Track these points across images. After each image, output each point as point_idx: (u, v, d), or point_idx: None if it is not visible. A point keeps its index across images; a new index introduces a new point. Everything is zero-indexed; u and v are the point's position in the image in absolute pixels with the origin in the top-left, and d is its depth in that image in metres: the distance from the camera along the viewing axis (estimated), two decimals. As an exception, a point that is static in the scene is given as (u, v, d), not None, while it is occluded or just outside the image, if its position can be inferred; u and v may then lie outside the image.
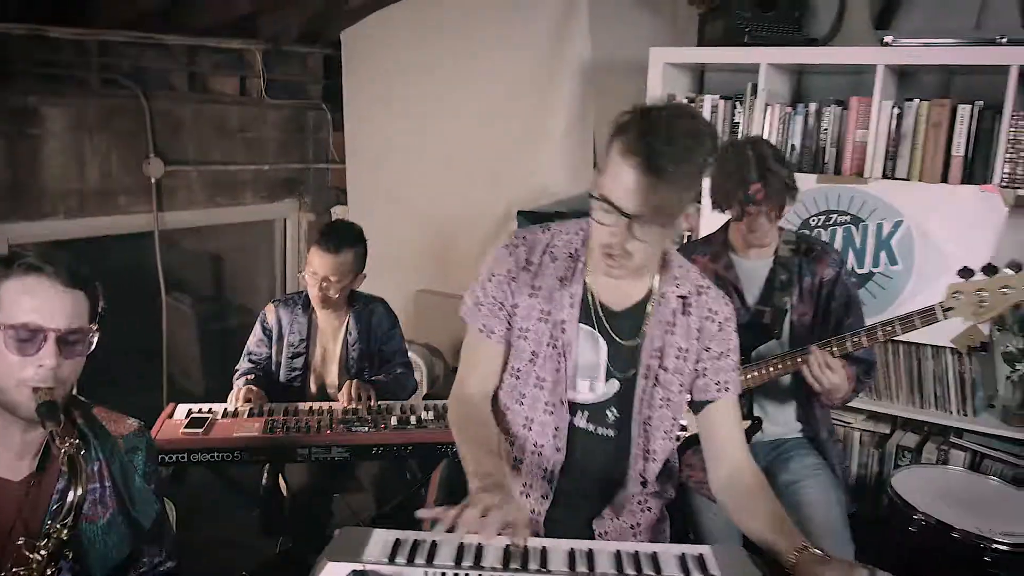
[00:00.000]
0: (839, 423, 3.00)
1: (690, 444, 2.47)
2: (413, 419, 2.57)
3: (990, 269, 2.01)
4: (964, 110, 2.66)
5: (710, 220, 2.52)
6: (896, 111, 2.75)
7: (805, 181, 2.86)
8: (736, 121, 3.01)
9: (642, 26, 3.47)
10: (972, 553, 2.13)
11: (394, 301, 3.02)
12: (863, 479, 2.98)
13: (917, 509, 2.24)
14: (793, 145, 2.94)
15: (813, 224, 2.90)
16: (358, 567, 1.23)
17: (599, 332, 1.66)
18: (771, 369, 2.29)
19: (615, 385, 1.68)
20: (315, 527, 2.73)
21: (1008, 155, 2.60)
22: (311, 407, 2.64)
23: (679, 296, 1.67)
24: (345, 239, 2.73)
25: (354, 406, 2.62)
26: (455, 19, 3.87)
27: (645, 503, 1.77)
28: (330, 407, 2.63)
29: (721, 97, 3.06)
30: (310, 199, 4.53)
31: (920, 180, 2.75)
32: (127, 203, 3.63)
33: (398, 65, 4.07)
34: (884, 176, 2.80)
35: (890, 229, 2.79)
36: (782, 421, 2.46)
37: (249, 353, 2.87)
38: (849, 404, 2.87)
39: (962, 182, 2.70)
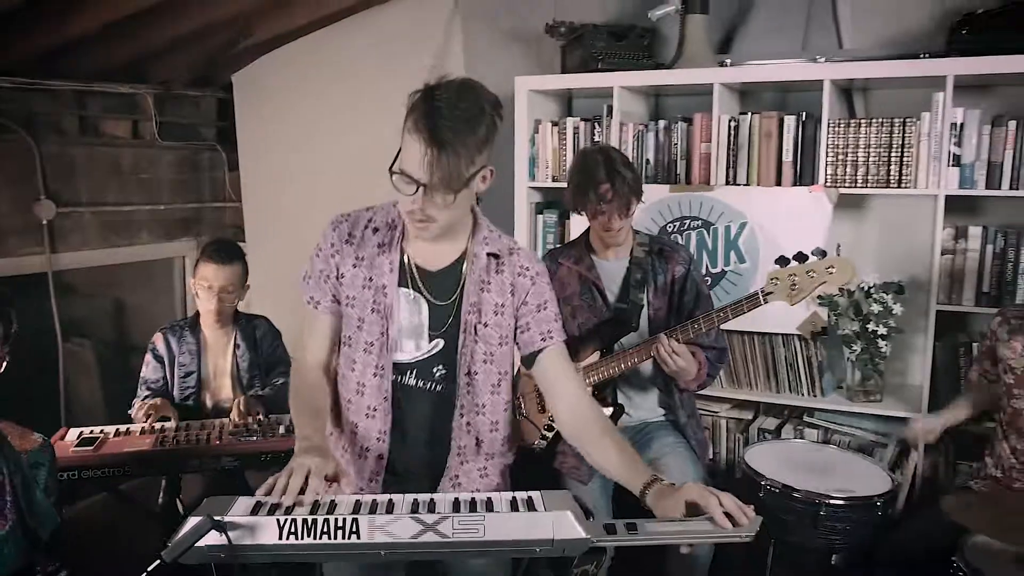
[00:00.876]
0: (706, 413, 3.25)
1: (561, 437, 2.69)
2: (302, 427, 2.70)
3: (800, 257, 2.28)
4: (790, 120, 2.99)
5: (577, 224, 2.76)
6: (733, 124, 3.06)
7: (659, 191, 3.15)
8: (596, 140, 3.28)
9: (514, 59, 3.74)
10: (811, 509, 2.38)
11: (300, 332, 3.16)
12: (730, 463, 3.23)
13: (765, 476, 2.48)
14: (648, 159, 3.23)
15: (670, 230, 3.17)
16: (217, 518, 1.37)
17: (419, 293, 1.82)
18: (630, 359, 2.51)
19: (439, 343, 1.83)
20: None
21: (829, 159, 2.93)
22: (203, 423, 2.75)
23: (489, 254, 1.83)
24: (232, 251, 2.94)
25: (246, 422, 2.74)
26: (340, 58, 4.07)
27: (483, 471, 1.90)
28: (222, 422, 2.75)
29: (582, 119, 3.33)
30: (207, 238, 4.62)
31: (758, 184, 3.06)
32: (17, 244, 3.68)
33: (289, 105, 4.24)
34: (727, 183, 3.10)
35: (736, 230, 3.08)
36: (646, 406, 2.69)
37: (145, 381, 2.97)
38: (715, 394, 3.16)
39: (793, 184, 3.01)
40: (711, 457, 3.24)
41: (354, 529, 1.39)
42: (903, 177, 2.86)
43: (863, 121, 2.89)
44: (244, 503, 1.49)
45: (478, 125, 1.61)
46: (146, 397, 2.90)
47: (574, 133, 3.33)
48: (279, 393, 2.92)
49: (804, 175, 3.01)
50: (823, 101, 2.89)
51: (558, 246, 2.93)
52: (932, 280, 2.89)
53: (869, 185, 2.91)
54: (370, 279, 1.82)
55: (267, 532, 1.39)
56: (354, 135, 4.09)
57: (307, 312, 1.91)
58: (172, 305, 4.70)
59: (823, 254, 2.28)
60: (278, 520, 1.40)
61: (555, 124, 3.37)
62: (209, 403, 2.98)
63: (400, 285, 1.82)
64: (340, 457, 1.87)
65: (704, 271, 3.12)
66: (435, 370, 1.84)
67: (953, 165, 2.80)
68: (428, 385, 1.84)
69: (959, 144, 2.79)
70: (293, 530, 1.39)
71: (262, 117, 4.37)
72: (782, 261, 2.31)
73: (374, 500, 1.53)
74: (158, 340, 2.99)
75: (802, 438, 3.09)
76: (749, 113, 3.05)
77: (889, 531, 2.42)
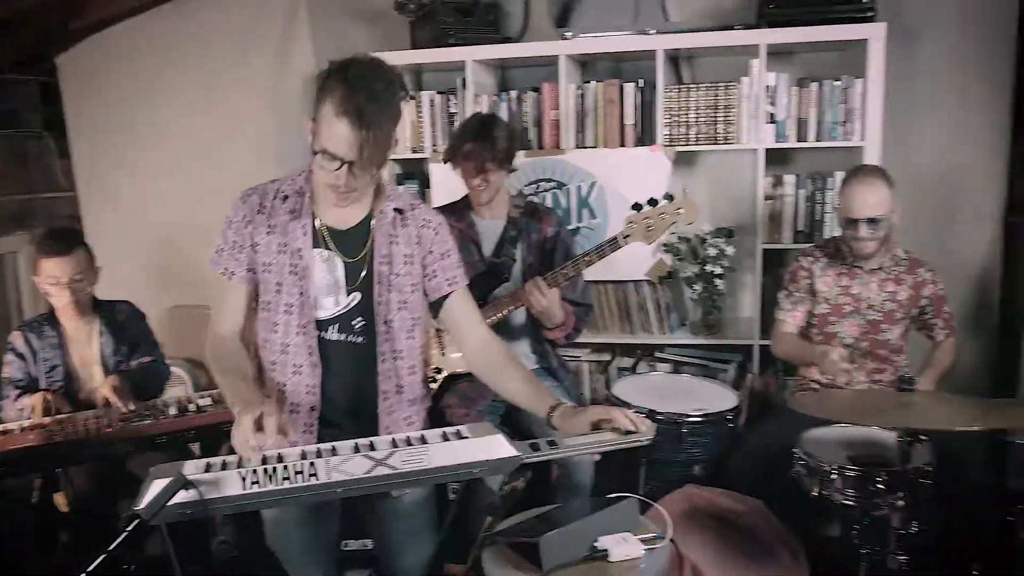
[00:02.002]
0: (570, 359, 3.55)
1: (446, 387, 2.89)
2: (192, 407, 2.73)
3: (652, 202, 2.58)
4: (629, 87, 3.31)
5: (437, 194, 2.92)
6: (579, 92, 3.34)
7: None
8: (452, 111, 3.46)
9: (361, 37, 3.82)
10: (675, 428, 2.72)
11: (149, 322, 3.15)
12: (595, 400, 3.56)
13: (632, 404, 2.79)
14: (502, 127, 3.45)
15: (527, 192, 3.42)
16: (182, 476, 1.47)
17: (333, 252, 1.94)
18: (504, 306, 2.74)
19: (356, 296, 1.96)
20: (100, 529, 2.78)
21: (665, 121, 3.28)
22: (89, 413, 2.71)
23: (395, 209, 1.99)
24: (70, 238, 2.87)
25: (120, 404, 2.71)
26: (181, 39, 3.97)
27: (409, 419, 2.07)
28: (108, 410, 2.72)
29: (437, 92, 3.50)
30: (42, 230, 4.38)
31: (605, 146, 3.36)
32: None
33: (121, 88, 4.09)
34: (577, 146, 3.39)
35: (587, 189, 3.37)
36: (520, 354, 2.93)
37: (12, 380, 2.87)
38: (576, 341, 3.45)
39: (636, 145, 3.34)
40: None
41: (312, 472, 1.53)
42: (728, 134, 3.25)
43: (692, 86, 3.25)
44: (194, 465, 1.59)
45: (394, 102, 1.76)
46: (20, 395, 2.81)
47: (430, 105, 3.49)
48: (148, 371, 2.93)
49: (645, 136, 3.34)
50: (657, 69, 3.22)
51: (444, 205, 3.08)
52: (757, 224, 3.31)
53: (700, 143, 3.29)
54: (285, 244, 1.92)
55: (231, 484, 1.51)
56: (198, 121, 4.02)
57: (219, 285, 1.98)
58: (5, 303, 4.45)
59: (671, 198, 2.60)
60: (239, 472, 1.52)
61: (412, 98, 3.51)
62: (83, 394, 2.93)
63: (314, 246, 1.93)
64: None
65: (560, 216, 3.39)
66: (354, 322, 1.97)
67: (769, 122, 3.21)
68: (349, 337, 1.97)
69: (773, 104, 3.20)
70: (255, 479, 1.51)
71: (93, 101, 4.19)
72: (636, 207, 2.61)
73: (319, 448, 1.67)
74: (16, 338, 2.90)
75: (656, 371, 3.46)
76: (592, 82, 3.34)
77: (738, 440, 2.81)
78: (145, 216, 4.24)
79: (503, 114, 3.44)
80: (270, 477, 1.52)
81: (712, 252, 3.31)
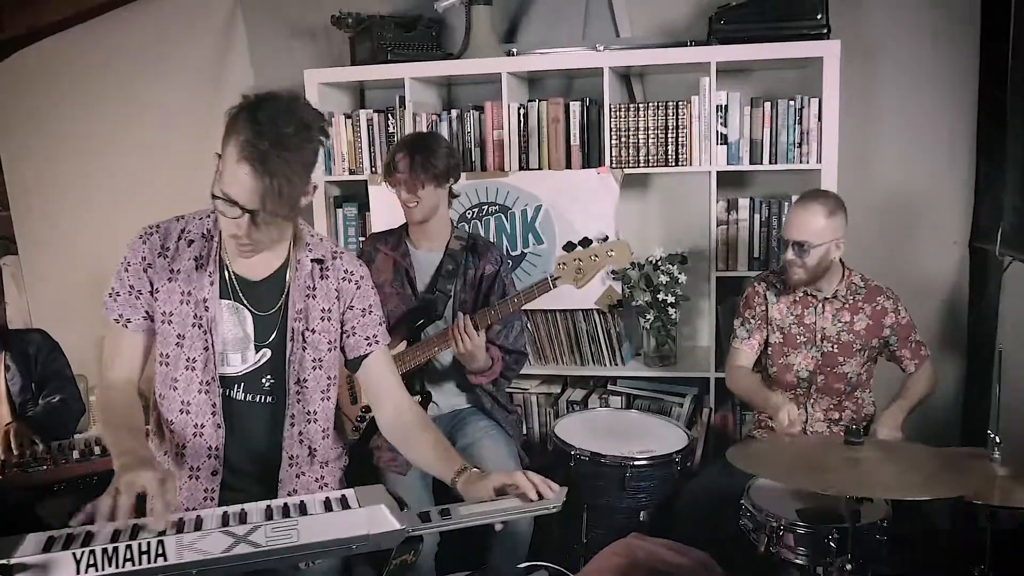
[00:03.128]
0: (516, 390, 3.37)
1: (374, 429, 2.69)
2: (98, 449, 2.52)
3: (585, 242, 2.42)
4: (575, 106, 3.14)
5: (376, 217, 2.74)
6: (522, 111, 3.17)
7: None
8: (391, 131, 3.28)
9: (301, 53, 3.65)
10: (618, 472, 2.53)
11: (83, 347, 2.96)
12: (544, 436, 3.37)
13: (574, 447, 2.61)
14: (444, 148, 3.27)
15: (469, 216, 3.24)
16: (2, 562, 1.28)
17: (242, 304, 1.78)
18: (433, 346, 2.56)
19: (266, 353, 1.80)
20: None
21: (613, 141, 3.11)
22: (-20, 459, 2.50)
23: (314, 260, 1.82)
24: None
25: (20, 452, 2.51)
26: (114, 53, 3.80)
27: (320, 480, 1.91)
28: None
29: (375, 111, 3.32)
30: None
31: (550, 168, 3.19)
32: None
33: (57, 103, 3.91)
34: (521, 168, 3.21)
35: (532, 213, 3.20)
36: (451, 393, 2.75)
37: None
38: (524, 371, 3.27)
39: (583, 167, 3.17)
40: (524, 433, 3.36)
41: (160, 551, 1.33)
42: (680, 156, 3.08)
43: (641, 105, 3.08)
44: (34, 540, 1.39)
45: (308, 148, 1.59)
46: None
47: (368, 125, 3.32)
48: (55, 412, 2.72)
49: (591, 158, 3.17)
50: (604, 87, 3.05)
51: (380, 231, 2.91)
52: (711, 249, 3.14)
53: (650, 164, 3.12)
54: (188, 293, 1.75)
55: (63, 569, 1.31)
56: (132, 138, 3.85)
57: (113, 330, 1.80)
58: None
59: (605, 238, 2.44)
60: (74, 554, 1.32)
61: (348, 117, 3.33)
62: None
63: (222, 297, 1.76)
64: None
65: (504, 253, 3.22)
66: (264, 381, 1.81)
67: (721, 143, 3.05)
68: (258, 397, 1.81)
69: (725, 124, 3.04)
70: (92, 562, 1.31)
71: (23, 117, 4.00)
72: (568, 247, 2.45)
73: (181, 518, 1.48)
74: None
75: (607, 406, 3.28)
76: (537, 100, 3.17)
77: (687, 482, 2.63)
78: (83, 234, 4.04)
79: (443, 132, 3.26)
80: (110, 559, 1.32)
81: (664, 279, 3.14)
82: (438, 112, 3.30)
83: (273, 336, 1.80)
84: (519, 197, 3.19)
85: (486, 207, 3.23)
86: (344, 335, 1.89)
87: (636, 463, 2.53)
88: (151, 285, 1.76)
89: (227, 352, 1.78)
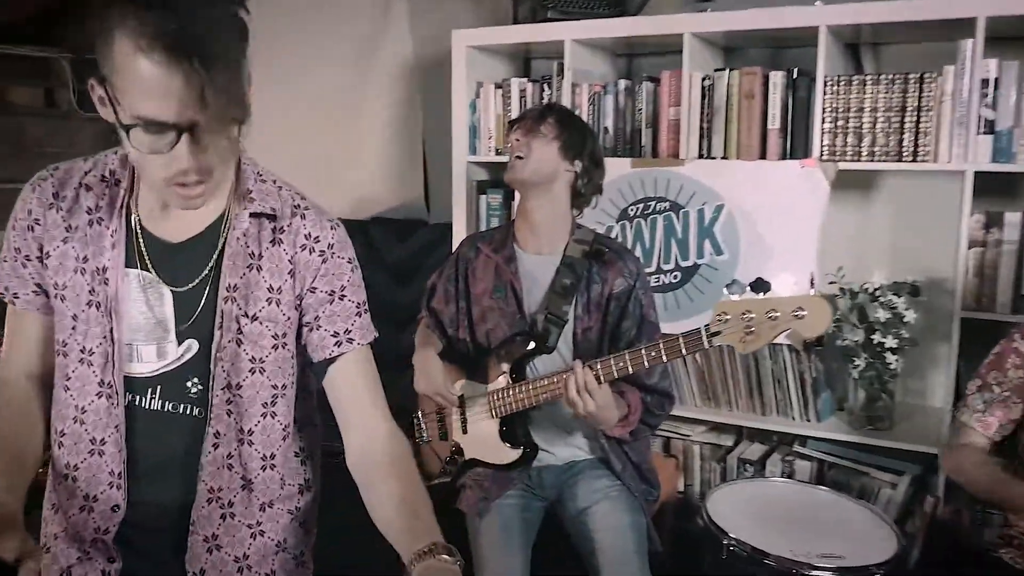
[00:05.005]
0: (676, 436, 2.68)
1: (468, 468, 2.15)
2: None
3: (760, 286, 1.70)
4: (777, 77, 2.39)
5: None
6: (707, 83, 2.47)
7: (619, 166, 2.58)
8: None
9: (464, 12, 3.17)
10: (787, 580, 1.81)
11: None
12: (685, 505, 2.65)
13: (728, 533, 1.91)
14: (606, 128, 2.65)
15: (632, 213, 2.59)
16: None
17: (156, 277, 1.27)
18: (541, 392, 1.96)
19: (192, 346, 1.29)
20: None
21: (826, 126, 2.33)
22: None
23: (257, 215, 1.29)
24: None
25: None
26: (268, 26, 3.53)
27: (256, 527, 1.36)
28: None
29: (530, 80, 2.77)
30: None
31: (738, 158, 2.46)
32: None
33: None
34: (701, 156, 2.51)
35: (711, 214, 2.49)
36: (572, 442, 2.14)
37: None
38: (686, 415, 2.60)
39: (781, 158, 2.42)
40: (680, 491, 2.67)
41: None
42: (919, 148, 2.25)
43: (869, 78, 2.28)
44: None
45: (231, 9, 1.10)
46: None
47: (520, 97, 2.76)
48: None
49: (795, 146, 2.41)
50: (818, 52, 2.28)
51: (482, 230, 2.39)
52: (957, 280, 2.28)
53: (876, 159, 2.30)
54: (84, 259, 1.27)
55: None
56: (282, 113, 3.54)
57: (9, 311, 1.36)
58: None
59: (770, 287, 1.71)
60: None
61: (499, 87, 2.80)
62: None
63: (129, 265, 1.27)
64: (51, 515, 1.35)
65: (673, 264, 2.54)
66: (189, 384, 1.29)
67: (985, 133, 2.18)
68: (181, 407, 1.30)
69: (992, 106, 2.17)
70: None
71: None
72: (736, 287, 1.74)
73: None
74: None
75: (791, 473, 2.51)
76: (727, 69, 2.45)
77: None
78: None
79: (608, 108, 2.64)
80: None
81: (884, 315, 2.32)
82: (603, 84, 2.66)
83: (199, 321, 1.28)
84: (696, 193, 2.50)
85: (653, 203, 2.57)
86: (304, 328, 1.33)
87: (815, 573, 1.79)
88: (39, 248, 1.29)
89: (136, 343, 1.28)
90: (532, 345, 2.04)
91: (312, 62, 3.42)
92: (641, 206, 2.58)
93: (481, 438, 2.11)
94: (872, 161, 2.31)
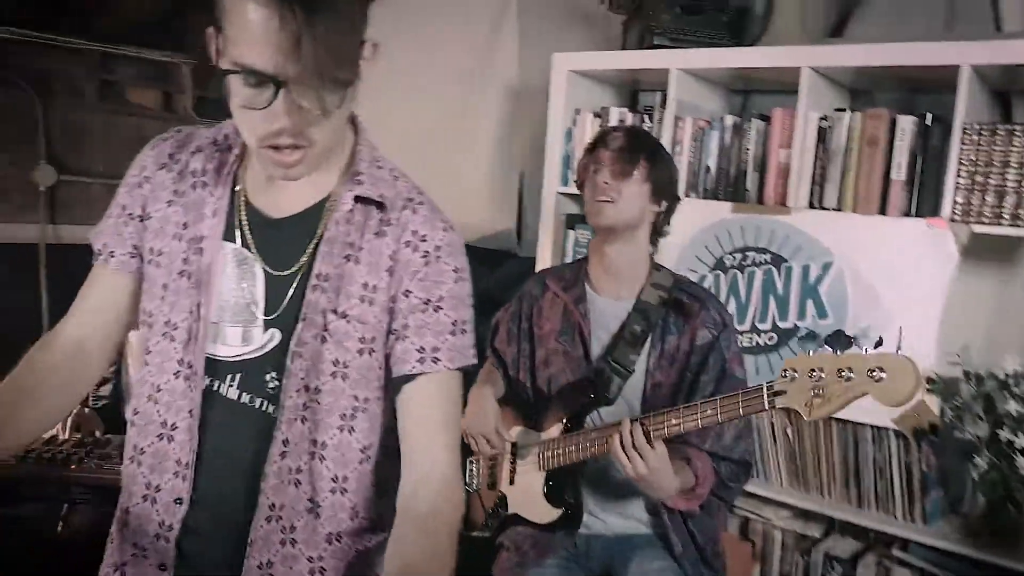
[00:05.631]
0: (755, 516, 2.37)
1: (511, 524, 1.95)
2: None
3: (837, 340, 1.44)
4: (906, 122, 2.08)
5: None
6: (825, 124, 2.19)
7: (719, 210, 2.35)
8: (645, 138, 2.50)
9: (574, 37, 3.02)
10: None
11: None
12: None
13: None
14: (708, 167, 2.41)
15: (728, 264, 2.33)
16: None
17: (253, 254, 1.17)
18: (591, 446, 1.74)
19: (275, 336, 1.17)
20: None
21: (961, 180, 2.01)
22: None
23: (364, 199, 1.17)
24: None
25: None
26: (375, 34, 3.51)
27: (317, 563, 1.20)
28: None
29: (630, 110, 2.57)
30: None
31: (854, 211, 2.16)
32: (11, 211, 3.34)
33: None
34: (811, 206, 2.23)
35: (818, 272, 2.20)
36: (628, 512, 1.89)
37: None
38: (769, 495, 2.31)
39: (905, 214, 2.10)
40: (755, 583, 2.35)
41: None
42: (1075, 215, 1.90)
43: (1018, 129, 1.95)
44: None
45: None
46: None
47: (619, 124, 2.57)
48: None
49: (922, 202, 2.09)
50: (958, 93, 1.98)
51: (556, 265, 2.20)
52: (1111, 376, 1.90)
53: (1020, 223, 1.96)
54: (184, 225, 1.19)
55: None
56: (391, 121, 3.51)
57: (94, 269, 1.28)
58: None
59: (878, 343, 1.43)
60: None
61: (597, 116, 2.61)
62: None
63: (227, 238, 1.18)
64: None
65: (769, 324, 2.26)
66: (268, 377, 1.17)
67: None
68: (256, 402, 1.18)
69: None
70: None
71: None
72: (809, 339, 1.48)
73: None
74: None
75: (887, 580, 2.16)
76: (847, 110, 2.17)
77: None
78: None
79: (712, 146, 2.40)
80: None
81: (1017, 409, 1.96)
82: (708, 119, 2.43)
83: (287, 309, 1.16)
84: (802, 247, 2.22)
85: (753, 254, 2.30)
86: (392, 335, 1.17)
87: None
88: (143, 207, 1.22)
89: (223, 323, 1.17)
90: (594, 396, 1.83)
91: (419, 80, 3.36)
92: (739, 256, 2.32)
93: (526, 492, 1.91)
94: (1014, 226, 1.96)
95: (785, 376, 1.49)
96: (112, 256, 1.23)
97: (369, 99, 3.40)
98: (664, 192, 1.86)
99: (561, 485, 1.84)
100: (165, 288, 1.19)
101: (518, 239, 3.19)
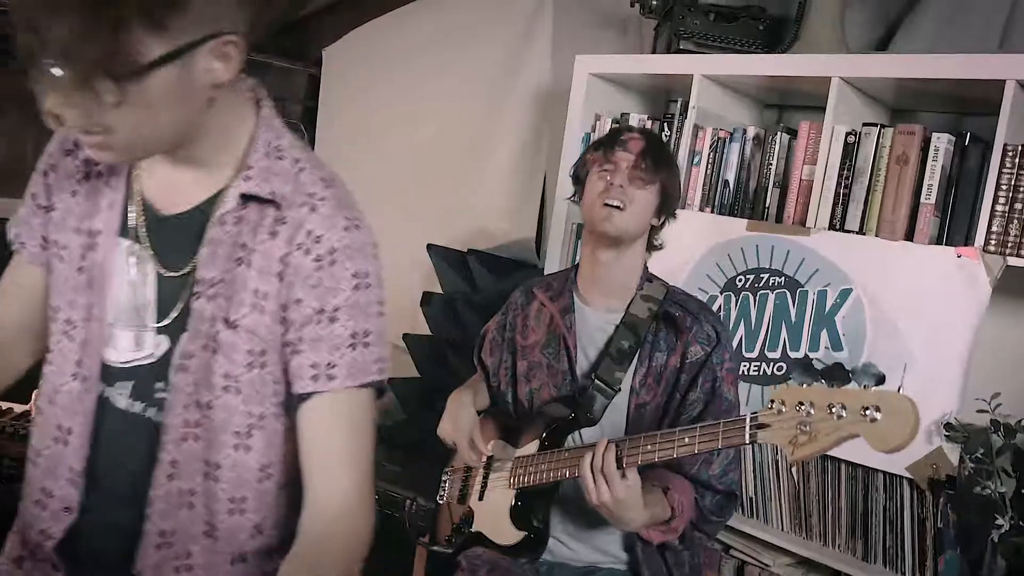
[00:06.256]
0: (752, 561, 2.18)
1: (466, 546, 1.82)
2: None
3: (837, 373, 1.28)
4: (940, 140, 1.90)
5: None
6: (851, 139, 2.02)
7: (733, 228, 2.19)
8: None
9: (607, 42, 2.91)
10: None
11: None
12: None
13: None
14: (726, 181, 2.25)
15: (739, 285, 2.17)
16: None
17: (146, 252, 1.09)
18: (562, 467, 1.61)
19: (163, 343, 1.08)
20: None
21: (997, 208, 1.81)
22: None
23: (252, 197, 1.06)
24: None
25: None
26: (420, 43, 3.46)
27: None
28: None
29: (649, 117, 2.43)
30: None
31: (877, 235, 1.98)
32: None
33: (366, 86, 3.69)
34: (832, 227, 2.05)
35: (835, 299, 2.02)
36: (601, 543, 1.73)
37: None
38: (766, 537, 2.13)
39: (935, 242, 1.91)
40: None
41: None
42: (1125, 253, 1.69)
43: (1064, 152, 1.76)
44: None
45: None
46: None
47: (637, 134, 2.43)
48: None
49: (953, 230, 1.90)
50: (1002, 110, 1.79)
51: (545, 275, 2.09)
52: None
53: (1062, 258, 1.76)
54: (83, 218, 1.12)
55: None
56: (422, 124, 3.44)
57: (13, 261, 1.22)
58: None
59: (880, 380, 1.28)
60: None
61: (616, 122, 2.48)
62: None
63: (123, 234, 1.10)
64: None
65: (779, 352, 2.09)
66: (157, 386, 1.09)
67: None
68: (147, 411, 1.10)
69: None
70: None
71: (342, 98, 3.85)
72: (803, 368, 1.33)
73: None
74: None
75: (891, 644, 1.95)
76: (878, 125, 2.00)
77: None
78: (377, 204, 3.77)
79: (733, 159, 2.24)
80: None
81: (1046, 465, 1.75)
82: (731, 130, 2.28)
83: (179, 316, 1.07)
84: (819, 271, 2.04)
85: (766, 276, 2.13)
86: (286, 348, 1.06)
87: None
88: (48, 196, 1.15)
89: (115, 326, 1.09)
90: (574, 415, 1.70)
91: (449, 81, 3.29)
92: (752, 278, 2.15)
93: (493, 510, 1.78)
94: (1055, 261, 1.76)
95: (771, 408, 1.33)
96: (23, 247, 1.18)
97: (399, 99, 3.36)
98: (669, 208, 1.74)
99: (529, 507, 1.71)
100: (66, 284, 1.12)
101: (536, 250, 3.07)
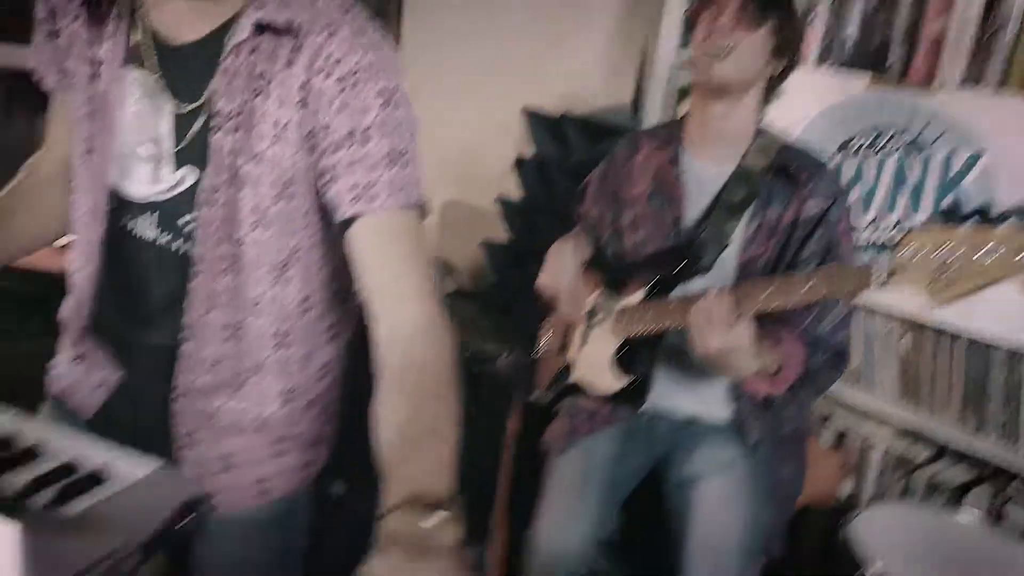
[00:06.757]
0: (856, 433, 2.15)
1: (564, 395, 1.83)
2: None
3: (979, 215, 1.17)
4: (1101, -17, 1.71)
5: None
6: (996, -16, 1.84)
7: (853, 84, 2.04)
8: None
9: None
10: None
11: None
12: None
13: (868, 566, 1.46)
14: (849, 35, 2.08)
15: (855, 147, 2.05)
16: None
17: (157, 83, 1.04)
18: (670, 315, 1.56)
19: (189, 176, 1.05)
20: None
21: None
22: None
23: (266, 25, 1.00)
24: None
25: None
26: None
27: (278, 442, 1.15)
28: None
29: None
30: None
31: (1021, 93, 1.82)
32: None
33: (448, 49, 3.51)
34: (964, 84, 1.89)
35: (962, 164, 1.89)
36: (706, 395, 1.72)
37: None
38: (870, 405, 2.09)
39: (1085, 99, 1.76)
40: (840, 497, 2.16)
41: None
42: None
43: None
44: None
45: None
46: None
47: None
48: None
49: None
50: None
51: (652, 126, 1.98)
52: None
53: None
54: (89, 44, 1.08)
55: None
56: (488, 96, 3.28)
57: None
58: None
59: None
60: None
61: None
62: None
63: (128, 62, 1.06)
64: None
65: (895, 219, 1.98)
66: (183, 220, 1.07)
67: None
68: (175, 245, 1.08)
69: None
70: None
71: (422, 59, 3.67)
72: (948, 216, 1.22)
73: None
74: None
75: (999, 516, 1.92)
76: (1028, -33, 1.80)
77: None
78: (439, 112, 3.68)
79: (855, 12, 2.07)
80: None
81: None
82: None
83: (197, 150, 1.04)
84: (946, 132, 1.91)
85: (888, 139, 2.00)
86: (319, 178, 1.03)
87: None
88: (52, 20, 1.11)
89: (129, 160, 1.07)
90: (684, 264, 1.64)
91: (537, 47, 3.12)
92: (870, 139, 2.03)
93: (595, 358, 1.75)
94: None
95: (906, 253, 1.24)
96: (44, 80, 1.16)
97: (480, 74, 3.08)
98: (788, 48, 1.60)
99: (635, 355, 1.67)
100: (78, 112, 1.10)
101: (634, 113, 2.95)
